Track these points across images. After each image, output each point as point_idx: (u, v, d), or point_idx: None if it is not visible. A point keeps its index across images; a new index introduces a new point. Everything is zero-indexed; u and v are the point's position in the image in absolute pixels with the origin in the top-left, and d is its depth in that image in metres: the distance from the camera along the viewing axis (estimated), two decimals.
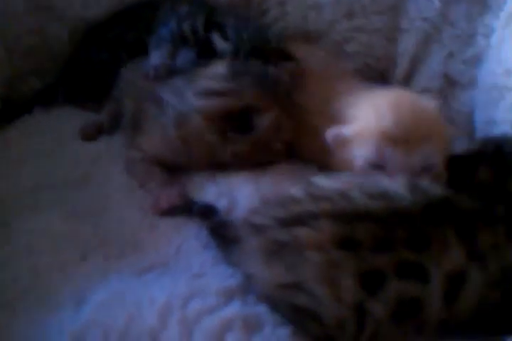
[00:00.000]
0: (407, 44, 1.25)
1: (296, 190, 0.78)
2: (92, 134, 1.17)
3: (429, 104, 0.92)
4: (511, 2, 1.13)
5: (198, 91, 1.00)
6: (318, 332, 0.72)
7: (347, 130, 0.90)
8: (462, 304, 0.72)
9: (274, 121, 0.99)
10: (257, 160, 1.00)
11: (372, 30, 1.27)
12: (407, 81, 1.27)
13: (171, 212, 0.94)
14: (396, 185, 0.77)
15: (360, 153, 0.87)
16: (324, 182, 0.79)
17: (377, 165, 0.86)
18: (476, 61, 1.19)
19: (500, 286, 0.73)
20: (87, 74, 1.25)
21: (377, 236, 0.71)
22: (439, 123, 0.90)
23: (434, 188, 0.77)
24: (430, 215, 0.73)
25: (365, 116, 0.90)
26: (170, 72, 1.10)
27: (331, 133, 0.91)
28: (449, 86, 1.22)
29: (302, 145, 1.07)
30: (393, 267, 0.70)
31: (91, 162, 1.09)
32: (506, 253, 0.74)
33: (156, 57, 1.11)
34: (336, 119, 0.96)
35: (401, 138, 0.84)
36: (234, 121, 0.97)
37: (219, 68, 1.02)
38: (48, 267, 0.84)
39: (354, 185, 0.77)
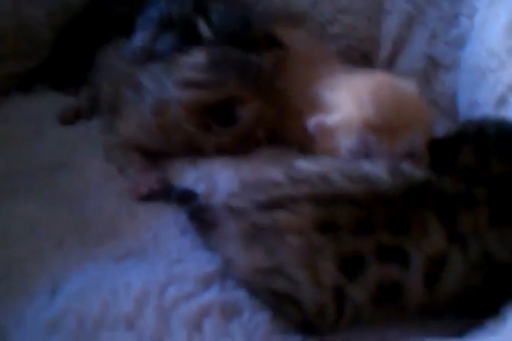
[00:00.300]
0: (390, 25, 1.24)
1: (276, 174, 0.77)
2: (70, 118, 1.15)
3: (409, 87, 0.91)
4: None
5: (177, 82, 0.97)
6: (297, 316, 0.71)
7: (329, 119, 0.89)
8: (443, 287, 0.72)
9: (257, 112, 0.97)
10: (239, 150, 0.98)
11: (355, 12, 1.25)
12: (390, 62, 1.26)
13: (149, 197, 0.93)
14: (377, 168, 0.76)
15: (344, 143, 0.86)
16: (305, 165, 0.78)
17: (362, 154, 0.85)
18: (460, 42, 1.18)
19: (481, 270, 0.73)
20: (75, 53, 1.23)
21: (357, 219, 0.70)
22: (420, 107, 0.89)
23: (416, 172, 0.76)
24: (411, 198, 0.72)
25: (346, 104, 0.88)
26: (149, 56, 1.07)
27: (312, 122, 0.90)
28: (433, 67, 1.21)
29: (285, 129, 1.05)
30: (374, 251, 0.69)
31: (69, 148, 1.07)
32: (487, 236, 0.73)
33: (138, 40, 1.09)
34: (316, 103, 0.94)
35: (384, 126, 0.83)
36: (215, 113, 0.96)
37: (198, 57, 0.99)
38: (23, 254, 0.82)
39: (335, 169, 0.76)
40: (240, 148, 0.98)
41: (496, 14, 1.08)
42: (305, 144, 0.98)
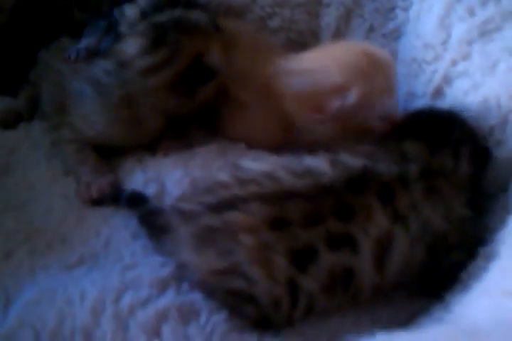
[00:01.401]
0: (329, 19, 1.25)
1: (222, 175, 0.78)
2: (10, 121, 1.11)
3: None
4: None
5: (138, 72, 0.94)
6: (254, 313, 0.73)
7: (350, 98, 0.90)
8: (392, 265, 0.75)
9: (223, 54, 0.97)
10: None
11: (294, 5, 1.25)
12: None
13: (98, 201, 0.92)
14: (318, 161, 0.79)
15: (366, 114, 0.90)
16: (250, 164, 0.79)
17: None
18: (396, 35, 1.20)
19: (423, 240, 0.77)
20: (18, 53, 1.19)
21: (306, 213, 0.73)
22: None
23: (354, 160, 0.80)
24: (353, 187, 0.76)
25: (354, 81, 0.90)
26: (91, 55, 1.04)
27: (334, 106, 0.90)
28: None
29: (229, 122, 1.06)
30: (323, 240, 0.72)
31: (10, 151, 1.04)
32: (423, 208, 0.77)
33: (84, 43, 1.05)
34: (268, 91, 0.96)
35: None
36: (190, 77, 0.94)
37: (136, 42, 0.94)
38: None
39: (279, 166, 0.78)
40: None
41: (430, 7, 1.11)
42: (247, 137, 1.00)
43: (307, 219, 0.73)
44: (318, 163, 0.78)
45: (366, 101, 0.89)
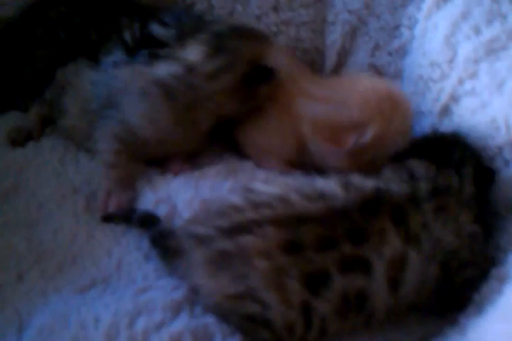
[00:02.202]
0: (334, 37, 1.26)
1: (236, 198, 0.78)
2: (19, 140, 1.11)
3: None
4: None
5: (203, 77, 0.98)
6: (268, 337, 0.73)
7: (365, 137, 0.91)
8: (406, 286, 0.75)
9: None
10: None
11: (299, 24, 1.27)
12: (336, 72, 1.28)
13: (109, 218, 0.92)
14: (330, 184, 0.80)
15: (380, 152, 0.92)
16: (262, 187, 0.80)
17: None
18: (402, 52, 1.21)
19: (435, 258, 0.77)
20: (34, 70, 1.20)
21: (319, 236, 0.73)
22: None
23: (365, 182, 0.80)
24: (366, 209, 0.76)
25: (372, 120, 0.91)
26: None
27: (350, 143, 0.91)
28: (377, 77, 1.24)
29: (249, 131, 1.07)
30: (336, 264, 0.72)
31: (19, 170, 1.05)
32: (435, 227, 0.78)
33: (117, 55, 1.11)
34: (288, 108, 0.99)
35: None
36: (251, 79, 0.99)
37: (197, 49, 0.99)
38: None
39: (291, 188, 0.78)
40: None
41: (435, 25, 1.12)
42: (264, 149, 1.03)
43: (321, 243, 0.73)
44: (331, 186, 0.78)
45: (380, 141, 0.90)
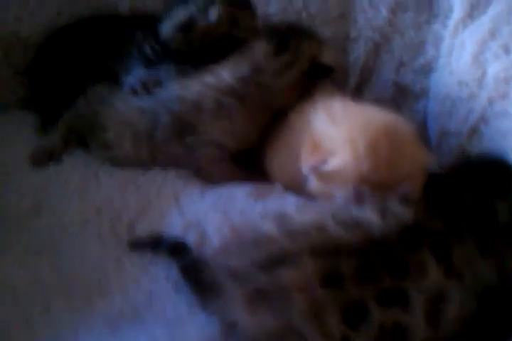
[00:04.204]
0: (357, 54, 1.24)
1: (269, 226, 0.76)
2: (43, 160, 1.08)
3: (407, 131, 0.88)
4: (458, 10, 1.13)
5: (270, 74, 1.02)
6: None
7: (327, 165, 0.85)
8: (445, 322, 0.73)
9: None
10: None
11: (322, 40, 1.24)
12: (359, 90, 1.26)
13: (136, 245, 0.89)
14: (367, 211, 0.77)
15: (338, 191, 0.84)
16: (297, 213, 0.77)
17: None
18: (427, 70, 1.19)
19: (475, 293, 0.75)
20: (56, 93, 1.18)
21: (357, 268, 0.71)
22: (416, 154, 0.87)
23: (404, 210, 0.77)
24: (405, 239, 0.74)
25: (344, 152, 0.85)
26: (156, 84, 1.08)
27: (309, 165, 0.87)
28: (401, 95, 1.23)
29: (273, 164, 1.05)
30: (375, 297, 0.70)
31: (40, 190, 1.02)
32: (478, 264, 0.76)
33: (140, 74, 1.09)
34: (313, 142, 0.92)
35: (378, 180, 0.82)
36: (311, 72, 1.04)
37: (260, 48, 1.03)
38: (8, 323, 0.78)
39: (327, 215, 0.76)
40: None
41: (462, 43, 1.10)
42: (293, 182, 0.96)
43: (359, 275, 0.70)
44: (368, 214, 0.76)
45: (362, 177, 0.83)
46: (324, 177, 0.86)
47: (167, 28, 1.10)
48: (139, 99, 1.07)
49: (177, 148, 1.04)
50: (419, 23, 1.20)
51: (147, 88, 1.07)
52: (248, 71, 1.02)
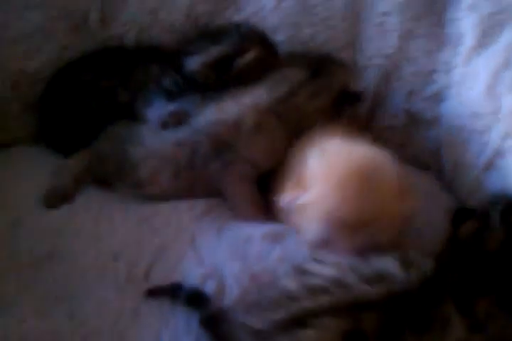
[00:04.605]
0: (367, 81, 1.23)
1: (289, 282, 0.75)
2: (56, 202, 1.06)
3: (391, 174, 0.87)
4: (469, 38, 1.11)
5: (306, 97, 1.07)
6: None
7: (300, 199, 0.87)
8: None
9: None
10: None
11: None
12: (370, 118, 1.25)
13: (154, 294, 0.88)
14: (388, 263, 0.76)
15: (308, 228, 0.87)
16: (317, 268, 0.76)
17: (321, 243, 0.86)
18: (438, 98, 1.18)
19: None
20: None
21: (379, 324, 0.70)
22: (393, 196, 0.85)
23: (425, 261, 0.77)
24: (428, 293, 0.72)
25: (317, 188, 0.86)
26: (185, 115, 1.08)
27: (287, 197, 0.89)
28: (413, 123, 1.21)
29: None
30: None
31: (55, 235, 1.00)
32: (499, 320, 0.73)
33: (166, 106, 1.09)
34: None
35: (346, 222, 0.82)
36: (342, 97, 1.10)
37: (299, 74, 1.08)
38: None
39: (347, 268, 0.75)
40: None
41: (475, 72, 1.09)
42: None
43: (381, 332, 0.69)
44: (389, 266, 0.75)
45: (330, 214, 0.83)
46: (297, 211, 0.88)
47: (196, 63, 1.11)
48: (173, 132, 1.06)
49: (215, 165, 1.04)
50: (429, 51, 1.18)
51: (178, 120, 1.06)
52: (285, 93, 1.05)
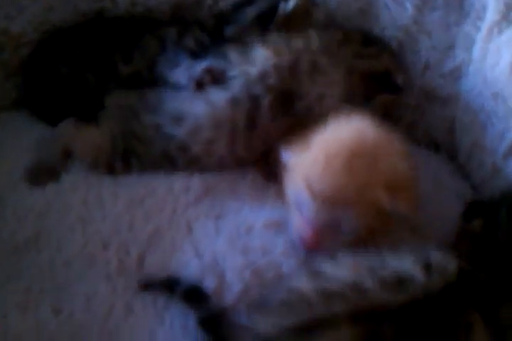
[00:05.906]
0: None
1: (302, 283, 0.69)
2: (41, 179, 0.97)
3: (382, 155, 0.83)
4: (493, 11, 1.02)
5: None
6: None
7: (293, 158, 0.86)
8: None
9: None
10: None
11: None
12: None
13: (149, 287, 0.82)
14: (408, 264, 0.70)
15: (290, 187, 0.86)
16: (332, 271, 0.70)
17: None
18: (456, 76, 1.09)
19: None
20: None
21: (399, 332, 0.65)
22: (383, 186, 0.80)
23: (448, 264, 0.71)
24: (450, 298, 0.67)
25: (308, 153, 0.85)
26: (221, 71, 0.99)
27: (285, 153, 0.88)
28: (427, 101, 1.13)
29: None
30: None
31: (39, 216, 0.92)
32: None
33: (197, 65, 1.00)
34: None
35: (319, 192, 0.79)
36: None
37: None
38: None
39: (364, 270, 0.69)
40: None
41: (498, 50, 1.00)
42: None
43: (400, 339, 0.64)
44: (409, 268, 0.69)
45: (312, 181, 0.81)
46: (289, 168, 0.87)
47: (250, 13, 1.07)
48: (221, 92, 0.96)
49: (286, 121, 0.96)
50: (448, 24, 1.09)
51: (214, 77, 0.97)
52: (335, 40, 1.03)
